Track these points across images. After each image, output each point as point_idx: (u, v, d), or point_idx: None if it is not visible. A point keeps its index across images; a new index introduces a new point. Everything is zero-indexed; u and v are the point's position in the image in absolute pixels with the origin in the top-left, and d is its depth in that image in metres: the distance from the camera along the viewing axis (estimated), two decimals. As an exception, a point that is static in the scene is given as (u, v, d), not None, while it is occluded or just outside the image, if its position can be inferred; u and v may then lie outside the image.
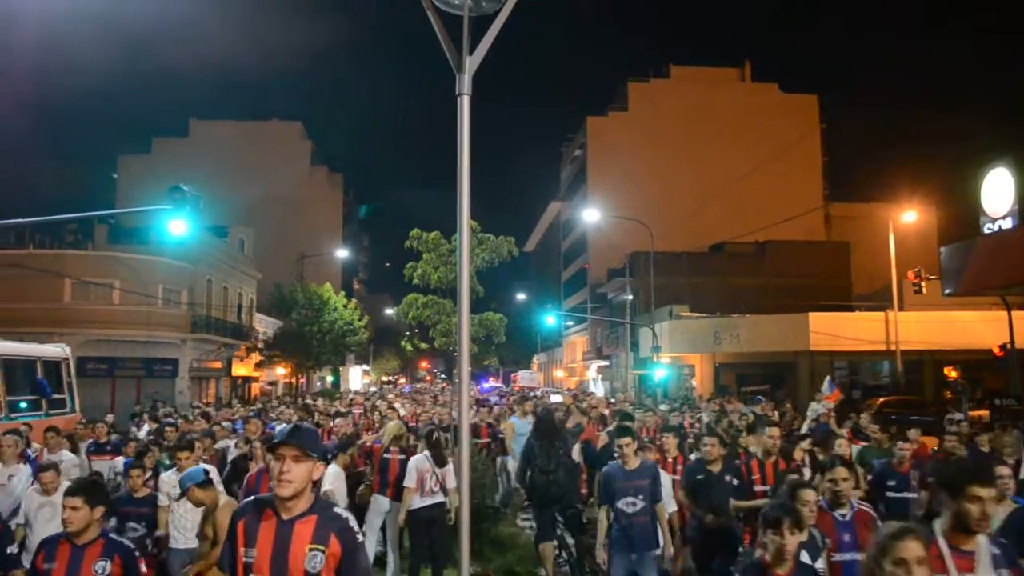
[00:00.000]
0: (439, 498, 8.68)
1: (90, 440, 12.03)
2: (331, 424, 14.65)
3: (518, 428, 14.35)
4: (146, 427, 15.89)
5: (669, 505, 7.88)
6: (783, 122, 60.51)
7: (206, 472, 6.36)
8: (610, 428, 11.52)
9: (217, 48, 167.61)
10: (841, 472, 5.49)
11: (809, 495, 5.13)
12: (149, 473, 8.40)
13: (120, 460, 10.87)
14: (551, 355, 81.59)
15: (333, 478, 8.27)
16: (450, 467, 8.59)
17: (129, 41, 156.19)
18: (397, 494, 8.94)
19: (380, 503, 9.22)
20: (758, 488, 7.82)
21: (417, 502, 8.63)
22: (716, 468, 7.66)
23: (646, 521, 6.94)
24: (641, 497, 6.90)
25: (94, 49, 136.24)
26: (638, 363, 41.75)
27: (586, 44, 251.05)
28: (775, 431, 9.23)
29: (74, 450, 11.18)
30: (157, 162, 64.31)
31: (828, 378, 21.49)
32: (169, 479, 7.49)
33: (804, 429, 14.26)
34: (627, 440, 7.13)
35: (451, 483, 8.57)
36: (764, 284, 44.33)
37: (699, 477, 7.62)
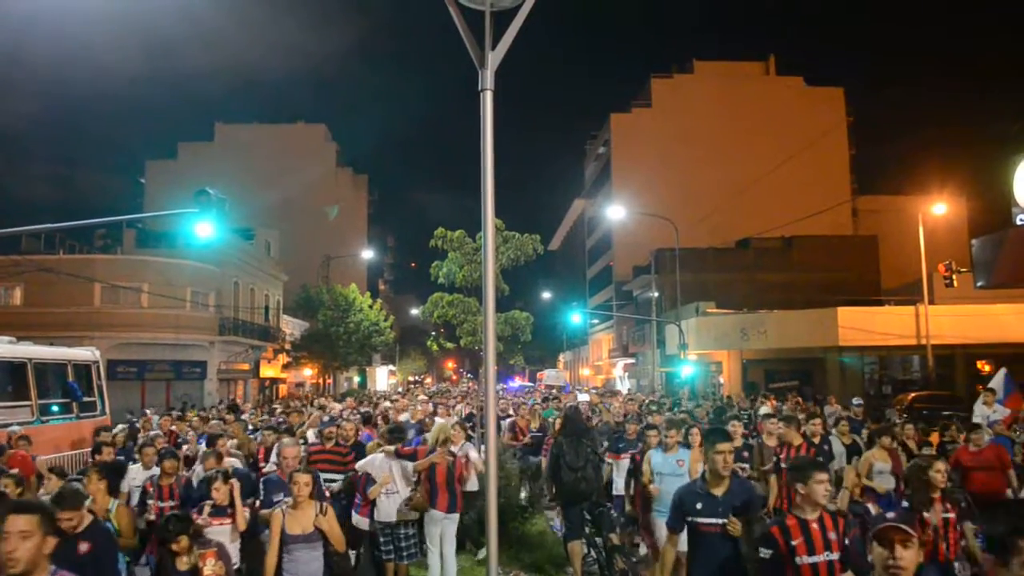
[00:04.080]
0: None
1: None
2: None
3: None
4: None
5: None
6: (809, 115, 59.85)
7: None
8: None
9: (241, 53, 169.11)
10: None
11: None
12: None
13: None
14: (577, 353, 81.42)
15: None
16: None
17: (154, 48, 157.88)
18: (448, 503, 8.23)
19: (430, 515, 8.29)
20: None
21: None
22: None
23: None
24: None
25: (119, 57, 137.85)
26: (665, 360, 41.52)
27: (608, 40, 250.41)
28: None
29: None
30: (183, 166, 65.03)
31: (1004, 371, 16.48)
32: None
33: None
34: (727, 447, 5.21)
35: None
36: (791, 279, 43.89)
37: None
